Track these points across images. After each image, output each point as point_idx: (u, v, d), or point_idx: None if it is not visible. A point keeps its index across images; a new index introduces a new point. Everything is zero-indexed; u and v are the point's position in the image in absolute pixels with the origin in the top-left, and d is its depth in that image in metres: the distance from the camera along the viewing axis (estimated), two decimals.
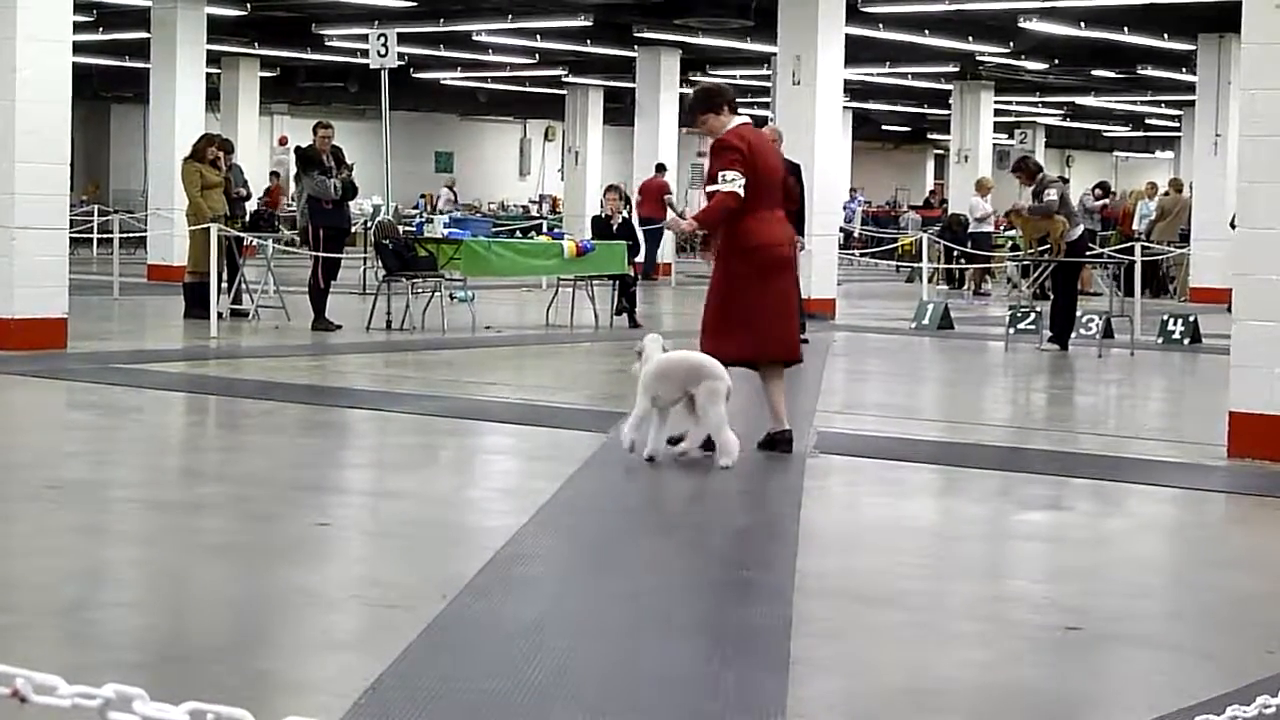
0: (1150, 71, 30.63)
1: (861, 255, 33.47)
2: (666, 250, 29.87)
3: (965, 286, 27.95)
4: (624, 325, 17.74)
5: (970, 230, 27.48)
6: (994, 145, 35.55)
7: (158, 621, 5.33)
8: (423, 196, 41.12)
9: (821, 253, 19.42)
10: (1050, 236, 16.22)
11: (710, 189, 8.63)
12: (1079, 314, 16.23)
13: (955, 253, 27.10)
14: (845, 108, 31.46)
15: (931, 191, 44.73)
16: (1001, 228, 28.60)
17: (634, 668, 4.73)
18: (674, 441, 8.43)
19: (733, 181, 8.51)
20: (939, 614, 5.60)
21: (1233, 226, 16.27)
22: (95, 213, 28.74)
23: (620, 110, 35.34)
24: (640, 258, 20.40)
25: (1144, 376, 14.68)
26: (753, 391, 9.32)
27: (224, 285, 17.04)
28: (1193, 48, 25.77)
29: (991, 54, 29.09)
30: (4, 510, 7.11)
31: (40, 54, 13.17)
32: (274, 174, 34.25)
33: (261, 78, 32.64)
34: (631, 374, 8.45)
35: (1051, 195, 16.06)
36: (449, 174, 43.52)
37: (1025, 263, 17.71)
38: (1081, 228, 16.60)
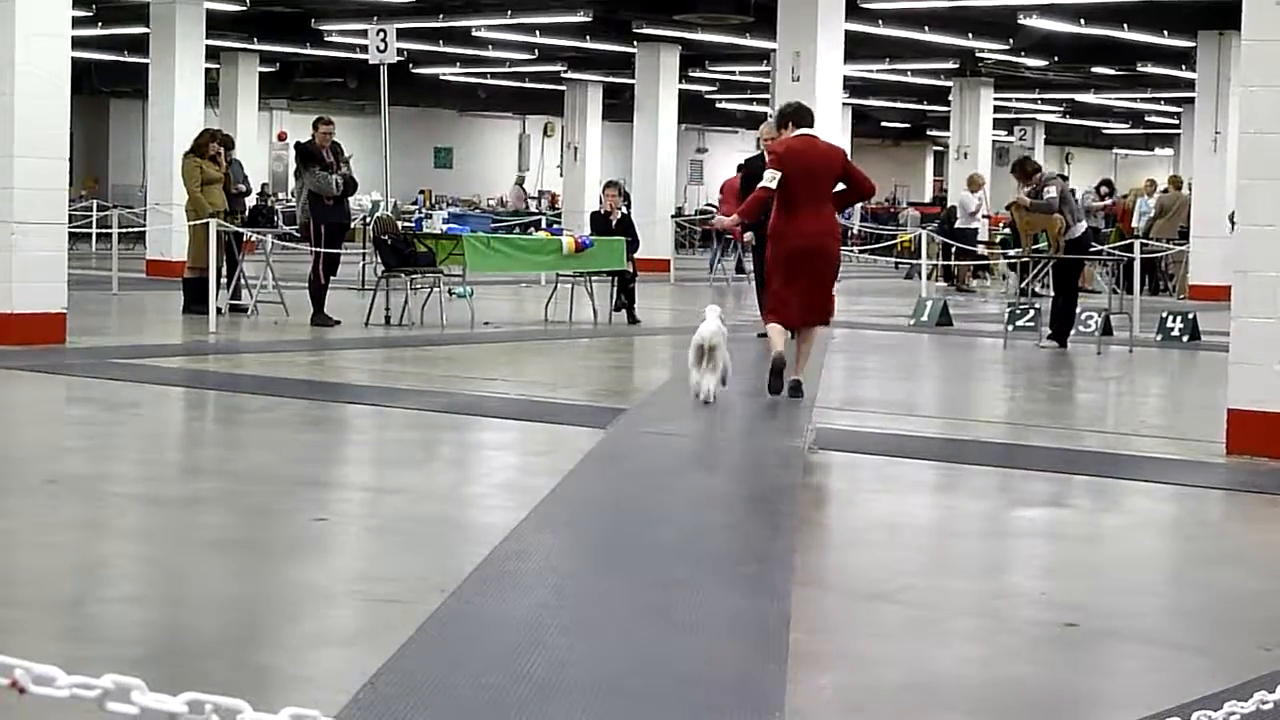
0: (1150, 68, 30.63)
1: (860, 252, 33.48)
2: (665, 246, 29.87)
3: (952, 282, 27.83)
4: (623, 321, 17.74)
5: (958, 226, 27.39)
6: (993, 142, 35.55)
7: (156, 616, 5.33)
8: (422, 192, 41.11)
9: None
10: (1048, 234, 16.21)
11: (757, 192, 10.52)
12: (1078, 311, 16.23)
13: (946, 247, 27.05)
14: (844, 104, 31.49)
15: (942, 191, 44.70)
16: (1001, 224, 28.58)
17: (632, 663, 4.73)
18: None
19: (768, 178, 10.28)
20: (937, 610, 5.60)
21: (1233, 224, 16.30)
22: (94, 208, 28.72)
23: (619, 106, 35.33)
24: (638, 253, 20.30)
25: (1143, 374, 14.68)
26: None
27: (223, 280, 17.04)
28: (1192, 44, 25.76)
29: (991, 50, 29.09)
30: (3, 505, 7.11)
31: (39, 49, 13.17)
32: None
33: (260, 73, 32.62)
34: None
35: (1051, 193, 16.04)
36: (520, 171, 43.73)
37: (1024, 260, 17.70)
38: (1084, 225, 16.59)
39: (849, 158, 10.79)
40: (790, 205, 10.26)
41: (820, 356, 10.76)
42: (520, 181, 42.33)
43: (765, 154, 13.27)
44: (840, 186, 10.41)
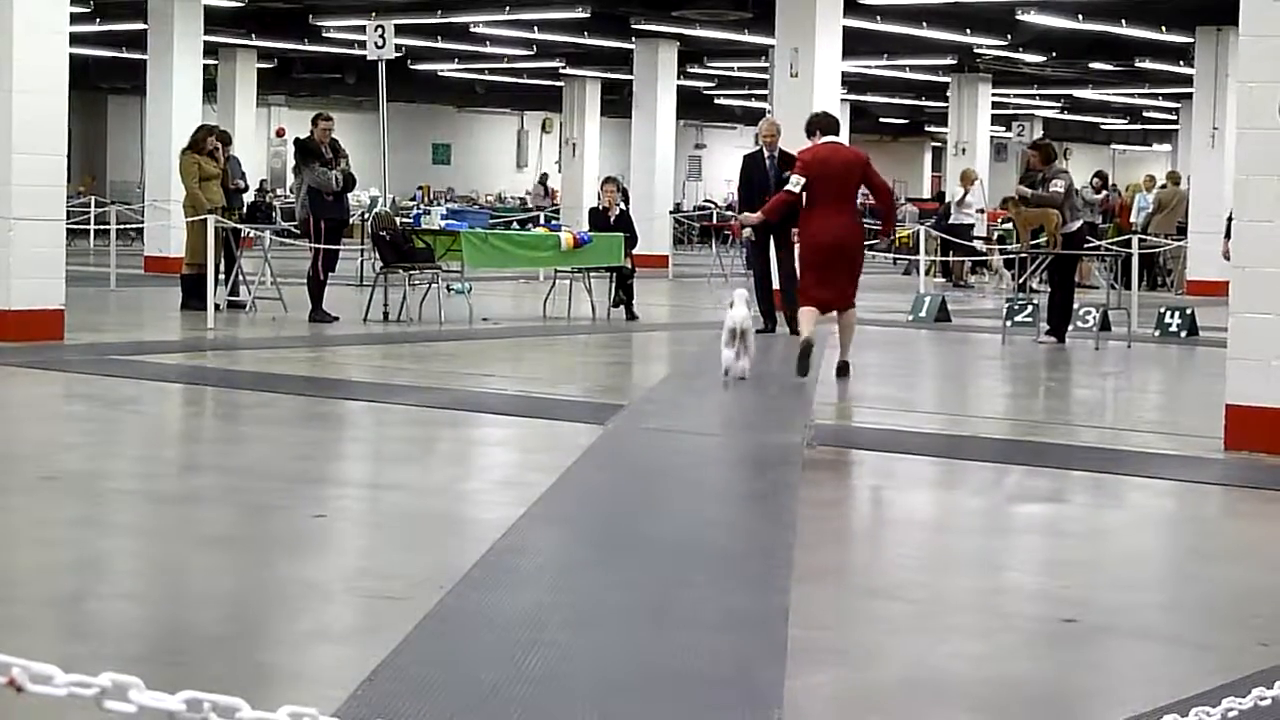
0: (1148, 64, 30.63)
1: None
2: (664, 242, 29.87)
3: (949, 277, 27.77)
4: (621, 317, 17.73)
5: (952, 221, 27.34)
6: (992, 138, 35.55)
7: (155, 613, 5.33)
8: (420, 188, 41.08)
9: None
10: (1045, 229, 16.20)
11: (781, 196, 12.30)
12: (1076, 307, 16.22)
13: (944, 242, 27.02)
14: (843, 100, 31.44)
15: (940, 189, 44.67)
16: (999, 220, 28.55)
17: (632, 658, 4.73)
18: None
19: (792, 182, 11.82)
20: (936, 605, 5.60)
21: (1228, 230, 16.38)
22: (92, 204, 28.71)
23: (618, 102, 35.33)
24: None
25: (1141, 369, 14.68)
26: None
27: (221, 277, 17.03)
28: (1190, 40, 25.76)
29: (989, 46, 29.08)
30: (2, 501, 7.11)
31: (37, 45, 13.16)
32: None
33: (259, 69, 32.59)
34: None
35: (1058, 187, 15.96)
36: (532, 167, 43.56)
37: (1023, 255, 17.69)
38: (1080, 220, 16.58)
39: (870, 163, 12.10)
40: (814, 205, 11.81)
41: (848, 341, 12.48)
42: (544, 179, 42.13)
43: (764, 148, 15.39)
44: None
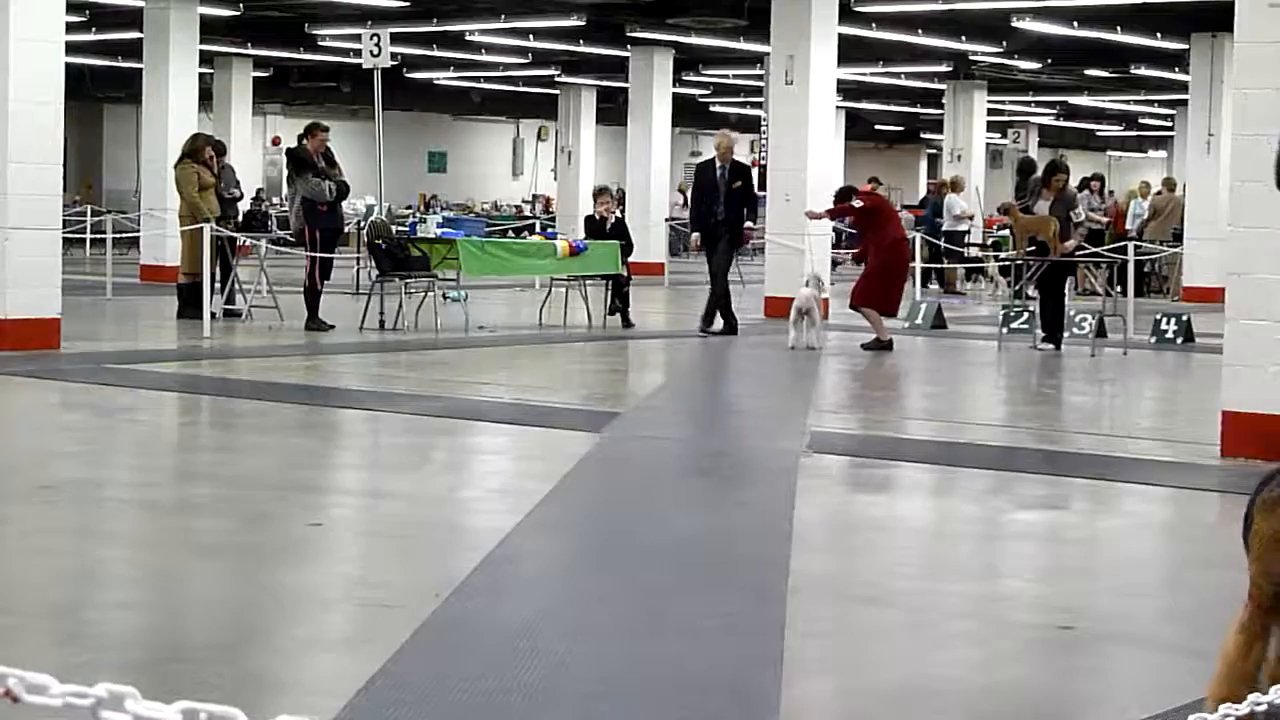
0: (1143, 71, 30.66)
1: (853, 255, 33.38)
2: (659, 250, 29.85)
3: (943, 285, 27.73)
4: (617, 325, 17.74)
5: (946, 229, 27.33)
6: (987, 144, 35.54)
7: (152, 622, 5.33)
8: (425, 198, 41.04)
9: (814, 253, 19.40)
10: (1042, 235, 16.20)
11: (841, 205, 16.38)
12: (1072, 313, 16.20)
13: (935, 249, 26.98)
14: (838, 107, 31.40)
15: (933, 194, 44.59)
16: (995, 226, 28.55)
17: (627, 667, 4.73)
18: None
19: (855, 202, 15.94)
20: (933, 613, 5.60)
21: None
22: (88, 213, 28.67)
23: (613, 110, 35.32)
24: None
25: (1137, 376, 14.69)
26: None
27: (217, 286, 17.02)
28: (1185, 47, 25.77)
29: (984, 53, 29.09)
30: None
31: (33, 54, 13.15)
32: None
33: (254, 78, 32.59)
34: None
35: (1080, 216, 16.33)
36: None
37: (1019, 262, 17.69)
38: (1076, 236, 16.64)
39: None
40: (892, 232, 15.99)
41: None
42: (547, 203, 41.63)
43: (716, 159, 17.00)
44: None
